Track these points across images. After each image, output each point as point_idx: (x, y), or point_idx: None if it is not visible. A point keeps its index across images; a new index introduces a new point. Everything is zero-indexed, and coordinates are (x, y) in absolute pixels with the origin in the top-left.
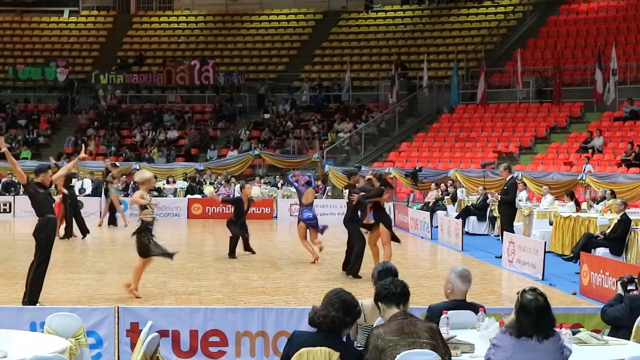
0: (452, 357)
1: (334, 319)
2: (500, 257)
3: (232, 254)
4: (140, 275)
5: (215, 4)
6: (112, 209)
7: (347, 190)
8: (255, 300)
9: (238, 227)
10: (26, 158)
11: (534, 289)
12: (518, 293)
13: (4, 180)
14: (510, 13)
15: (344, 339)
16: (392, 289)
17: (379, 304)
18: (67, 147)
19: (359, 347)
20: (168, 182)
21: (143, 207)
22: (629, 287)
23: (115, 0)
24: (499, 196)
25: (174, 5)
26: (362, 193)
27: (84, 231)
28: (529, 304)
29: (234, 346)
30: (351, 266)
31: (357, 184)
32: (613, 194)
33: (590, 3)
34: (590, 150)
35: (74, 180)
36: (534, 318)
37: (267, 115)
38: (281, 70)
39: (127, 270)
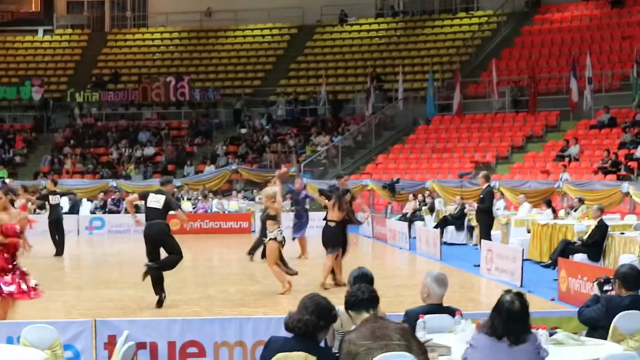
0: None
1: (308, 322)
2: (479, 265)
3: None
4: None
5: (189, 20)
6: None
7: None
8: (234, 312)
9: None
10: (2, 178)
11: (517, 293)
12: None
13: None
14: (485, 24)
15: (322, 344)
16: (359, 295)
17: (349, 312)
18: (44, 166)
19: (336, 353)
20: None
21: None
22: (605, 288)
23: (89, 19)
24: (476, 204)
25: (148, 22)
26: None
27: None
28: (502, 305)
29: (212, 357)
30: None
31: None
32: (582, 201)
33: (564, 12)
34: (567, 159)
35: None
36: (503, 319)
37: (243, 130)
38: (257, 85)
39: (104, 286)
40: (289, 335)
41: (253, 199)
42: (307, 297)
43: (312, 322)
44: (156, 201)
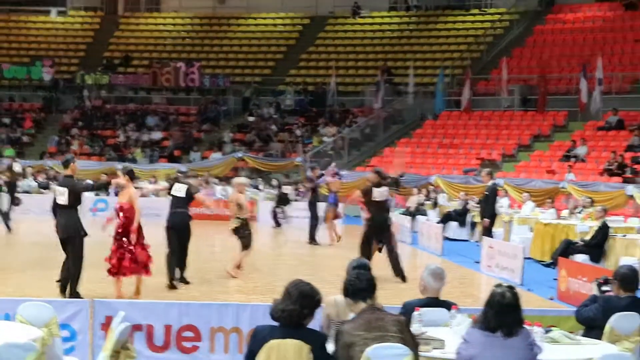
0: (424, 353)
1: (292, 312)
2: (480, 262)
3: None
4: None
5: (202, 7)
6: None
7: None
8: (232, 298)
9: None
10: (10, 156)
11: (508, 286)
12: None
13: None
14: (497, 21)
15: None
16: (357, 284)
17: (347, 298)
18: (51, 147)
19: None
20: (150, 183)
21: (240, 207)
22: (603, 288)
23: (102, 1)
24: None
25: (161, 7)
26: None
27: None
28: (493, 298)
29: (208, 342)
30: None
31: None
32: (592, 202)
33: (577, 13)
34: (573, 159)
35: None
36: (495, 312)
37: (251, 119)
38: (267, 74)
39: (104, 266)
40: (275, 323)
41: (257, 187)
42: (290, 285)
43: (296, 310)
44: (178, 190)
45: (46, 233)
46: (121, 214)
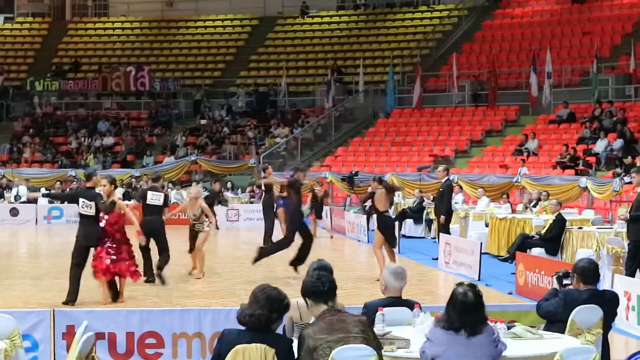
0: (388, 353)
1: (260, 317)
2: (437, 258)
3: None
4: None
5: (151, 10)
6: None
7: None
8: (193, 303)
9: None
10: None
11: (470, 285)
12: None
13: None
14: (446, 18)
15: (280, 331)
16: (319, 287)
17: (306, 299)
18: (3, 155)
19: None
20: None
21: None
22: (564, 282)
23: (50, 7)
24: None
25: (109, 11)
26: None
27: None
28: (456, 298)
29: (171, 348)
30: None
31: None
32: (548, 195)
33: (525, 8)
34: (525, 153)
35: None
36: (458, 312)
37: (203, 121)
38: (217, 76)
39: (63, 276)
40: (242, 327)
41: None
42: (258, 290)
43: (264, 315)
44: (156, 199)
45: (2, 242)
46: (105, 221)
